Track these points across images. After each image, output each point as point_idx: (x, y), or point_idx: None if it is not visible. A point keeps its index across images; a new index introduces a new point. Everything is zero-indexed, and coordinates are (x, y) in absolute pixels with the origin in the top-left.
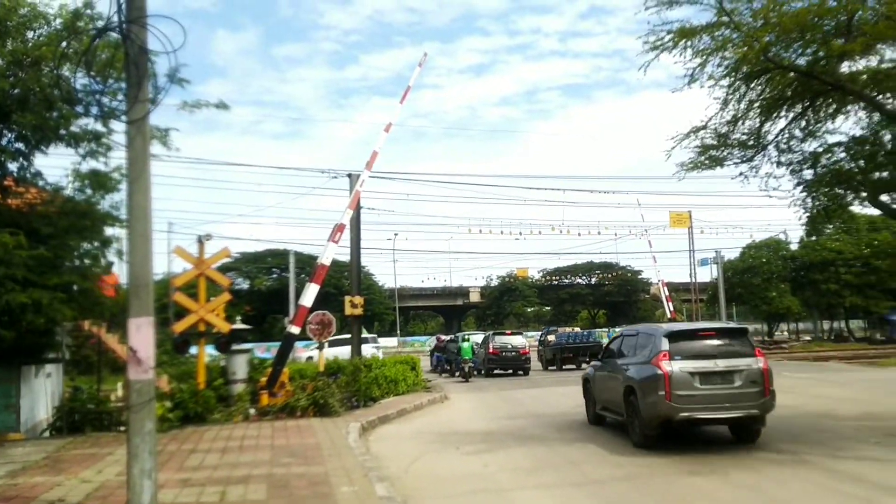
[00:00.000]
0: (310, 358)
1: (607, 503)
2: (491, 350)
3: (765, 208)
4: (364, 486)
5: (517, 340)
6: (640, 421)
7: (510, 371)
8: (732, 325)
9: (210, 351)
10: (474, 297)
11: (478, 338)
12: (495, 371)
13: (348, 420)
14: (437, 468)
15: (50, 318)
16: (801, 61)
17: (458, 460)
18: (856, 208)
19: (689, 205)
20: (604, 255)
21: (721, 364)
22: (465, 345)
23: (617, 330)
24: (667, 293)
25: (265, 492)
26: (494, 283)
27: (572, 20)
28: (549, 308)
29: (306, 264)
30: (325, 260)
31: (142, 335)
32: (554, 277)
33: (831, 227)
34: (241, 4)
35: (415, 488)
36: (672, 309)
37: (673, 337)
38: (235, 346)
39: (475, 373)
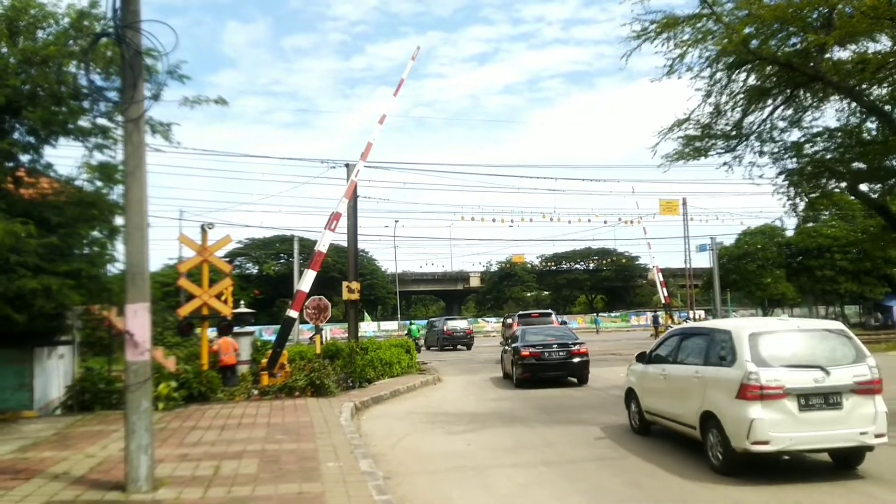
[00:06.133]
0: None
1: (576, 481)
2: (445, 332)
3: (758, 195)
4: (349, 461)
5: (463, 324)
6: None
7: (458, 346)
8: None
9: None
10: (474, 282)
11: (421, 322)
12: (447, 347)
13: (343, 400)
14: (423, 446)
15: (59, 303)
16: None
17: (444, 439)
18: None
19: (684, 192)
20: (601, 241)
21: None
22: (413, 327)
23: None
24: (661, 279)
25: (256, 466)
26: (494, 268)
27: (576, 7)
28: (547, 293)
29: (311, 250)
30: (322, 247)
31: (138, 319)
32: (552, 263)
33: (827, 213)
34: None
35: (399, 464)
36: (666, 294)
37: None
38: (237, 329)
39: (424, 348)
